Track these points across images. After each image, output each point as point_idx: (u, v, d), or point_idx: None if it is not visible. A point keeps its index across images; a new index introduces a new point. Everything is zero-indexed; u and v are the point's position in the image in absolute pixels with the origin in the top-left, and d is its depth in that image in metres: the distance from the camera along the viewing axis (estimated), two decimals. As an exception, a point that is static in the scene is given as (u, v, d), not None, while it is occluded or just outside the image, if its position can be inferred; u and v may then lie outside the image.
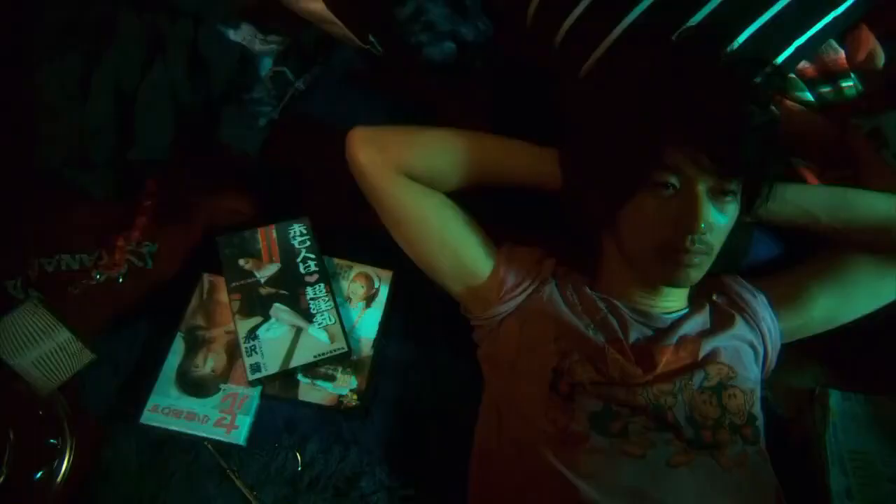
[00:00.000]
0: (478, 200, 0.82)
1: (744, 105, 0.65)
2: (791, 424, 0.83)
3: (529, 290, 0.78)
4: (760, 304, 0.77)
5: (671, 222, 0.67)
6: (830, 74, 0.85)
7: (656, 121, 0.65)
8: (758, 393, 0.72)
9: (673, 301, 0.76)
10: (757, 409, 0.71)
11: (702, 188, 0.65)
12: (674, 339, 0.72)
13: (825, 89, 0.85)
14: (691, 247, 0.67)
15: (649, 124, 0.66)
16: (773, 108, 0.71)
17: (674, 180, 0.66)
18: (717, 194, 0.66)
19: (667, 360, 0.70)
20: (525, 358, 0.74)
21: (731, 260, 0.80)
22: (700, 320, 0.75)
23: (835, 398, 0.81)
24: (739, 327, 0.75)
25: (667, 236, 0.67)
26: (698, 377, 0.70)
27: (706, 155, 0.63)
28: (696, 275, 0.70)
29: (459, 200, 0.82)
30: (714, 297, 0.78)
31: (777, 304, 0.78)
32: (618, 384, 0.69)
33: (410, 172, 0.79)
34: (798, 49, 0.79)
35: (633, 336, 0.73)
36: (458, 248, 0.79)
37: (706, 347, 0.72)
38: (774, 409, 0.83)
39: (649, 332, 0.73)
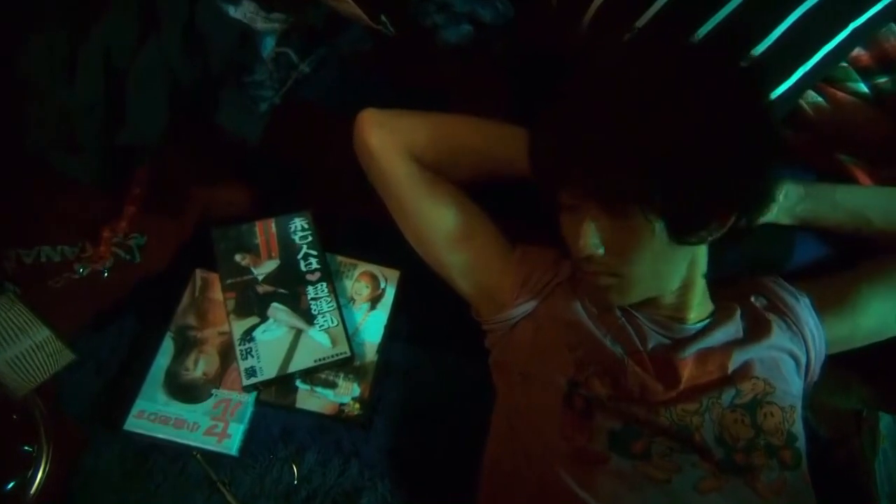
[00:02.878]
0: (491, 195, 0.80)
1: (635, 129, 0.60)
2: (834, 448, 0.80)
3: (545, 293, 0.76)
4: (804, 308, 0.74)
5: (571, 242, 0.68)
6: (889, 63, 0.81)
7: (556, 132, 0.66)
8: (799, 410, 0.69)
9: (692, 310, 0.73)
10: (797, 427, 0.68)
11: (593, 209, 0.64)
12: (695, 349, 0.69)
13: (882, 80, 0.81)
14: (587, 268, 0.67)
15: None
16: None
17: (567, 198, 0.67)
18: (614, 216, 0.64)
19: (690, 373, 0.68)
20: (537, 366, 0.72)
21: (770, 265, 0.78)
22: (730, 329, 0.71)
23: (885, 422, 0.79)
24: (778, 336, 0.71)
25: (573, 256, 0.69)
26: (728, 394, 0.67)
27: (576, 175, 0.63)
28: (618, 298, 0.70)
29: (473, 195, 0.80)
30: (752, 299, 0.75)
31: (822, 308, 0.74)
32: (637, 402, 0.67)
33: (422, 157, 0.78)
34: (853, 33, 0.75)
35: (651, 344, 0.70)
36: (470, 244, 0.78)
37: (737, 360, 0.69)
38: (816, 430, 0.80)
39: (667, 342, 0.71)
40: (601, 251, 0.65)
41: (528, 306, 0.75)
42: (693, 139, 0.59)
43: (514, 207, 0.80)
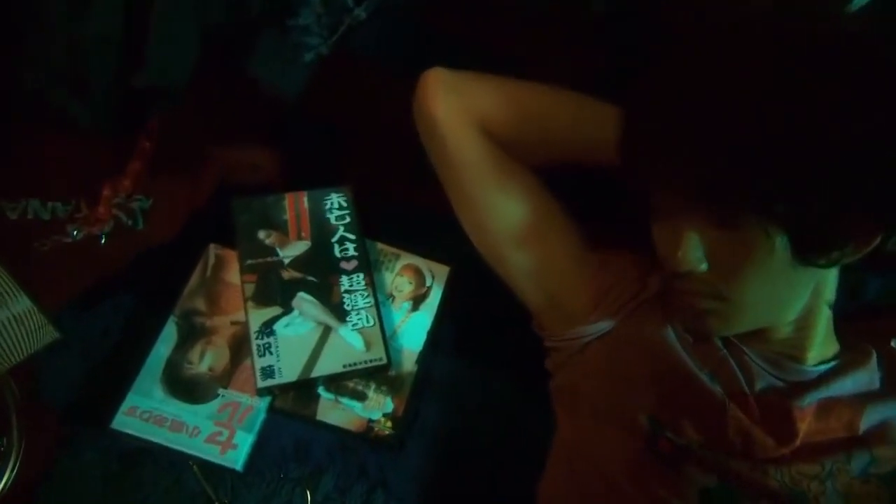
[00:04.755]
0: (571, 185, 0.74)
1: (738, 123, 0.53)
2: None
3: (627, 311, 0.70)
4: None
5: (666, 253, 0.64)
6: None
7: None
8: None
9: (812, 348, 0.65)
10: None
11: (697, 216, 0.59)
12: (817, 398, 0.62)
13: None
14: (684, 287, 0.62)
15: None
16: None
17: (664, 201, 0.61)
18: (723, 227, 0.58)
19: (809, 428, 0.61)
20: (611, 398, 0.67)
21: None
22: (862, 377, 0.64)
23: None
24: None
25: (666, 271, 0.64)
26: (860, 460, 0.60)
27: (677, 174, 0.57)
28: (720, 326, 0.64)
29: (550, 184, 0.75)
30: (893, 344, 0.68)
31: None
32: (739, 455, 0.61)
33: (497, 133, 0.73)
34: None
35: (760, 386, 0.64)
36: (542, 243, 0.73)
37: (872, 417, 0.61)
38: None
39: (780, 385, 0.64)
40: (704, 267, 0.58)
41: (605, 325, 0.70)
42: (835, 134, 0.50)
43: (598, 203, 0.75)
